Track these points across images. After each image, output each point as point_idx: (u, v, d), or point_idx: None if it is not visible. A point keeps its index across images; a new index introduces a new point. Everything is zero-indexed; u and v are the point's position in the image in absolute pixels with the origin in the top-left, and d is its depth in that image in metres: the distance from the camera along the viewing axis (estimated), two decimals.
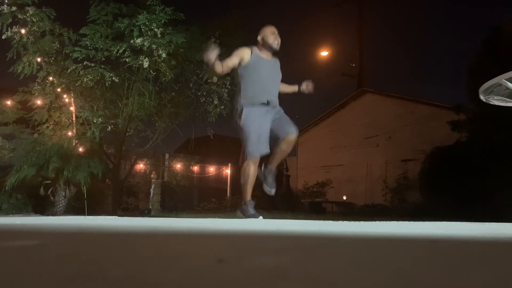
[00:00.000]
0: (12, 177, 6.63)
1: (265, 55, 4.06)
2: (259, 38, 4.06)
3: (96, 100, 7.84)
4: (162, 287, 0.71)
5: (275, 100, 3.99)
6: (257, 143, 3.76)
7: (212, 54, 3.70)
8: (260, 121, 3.82)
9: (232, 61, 3.90)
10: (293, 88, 4.26)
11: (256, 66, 3.96)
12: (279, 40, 4.09)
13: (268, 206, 9.04)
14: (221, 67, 3.79)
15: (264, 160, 3.94)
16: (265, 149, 3.80)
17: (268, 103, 3.87)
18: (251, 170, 3.80)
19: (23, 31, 7.29)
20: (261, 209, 8.51)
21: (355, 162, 12.94)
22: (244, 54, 3.96)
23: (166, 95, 8.36)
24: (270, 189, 4.07)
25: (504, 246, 1.55)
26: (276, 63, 4.17)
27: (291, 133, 3.84)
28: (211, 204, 10.54)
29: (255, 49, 4.05)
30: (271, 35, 4.04)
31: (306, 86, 4.21)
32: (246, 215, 3.81)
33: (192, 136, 9.16)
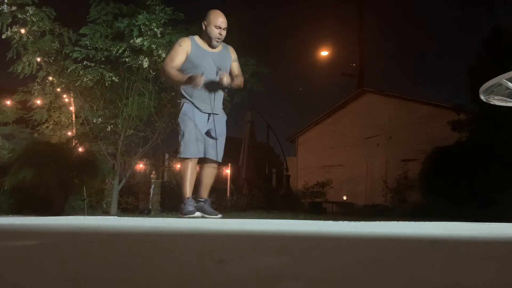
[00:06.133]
0: (11, 177, 6.62)
1: (208, 46, 3.67)
2: (203, 24, 3.62)
3: (96, 100, 7.83)
4: (162, 287, 0.71)
5: (218, 105, 3.73)
6: (189, 144, 3.59)
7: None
8: (197, 121, 3.62)
9: (180, 58, 3.59)
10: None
11: (196, 61, 3.62)
12: (224, 35, 3.64)
13: (268, 206, 9.03)
14: (177, 73, 3.56)
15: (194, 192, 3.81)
16: (198, 153, 3.63)
17: (207, 116, 3.67)
18: (188, 168, 3.64)
19: (23, 31, 7.28)
20: (261, 209, 8.51)
21: (355, 162, 12.94)
22: (186, 47, 3.62)
23: (166, 95, 8.35)
24: (216, 216, 3.94)
25: (504, 246, 1.55)
26: (223, 54, 3.76)
27: (214, 160, 3.77)
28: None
29: (196, 39, 3.69)
30: (215, 29, 3.60)
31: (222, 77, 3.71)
32: (182, 213, 3.64)
33: None
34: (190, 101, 3.65)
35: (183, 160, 3.70)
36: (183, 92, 3.71)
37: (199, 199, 3.85)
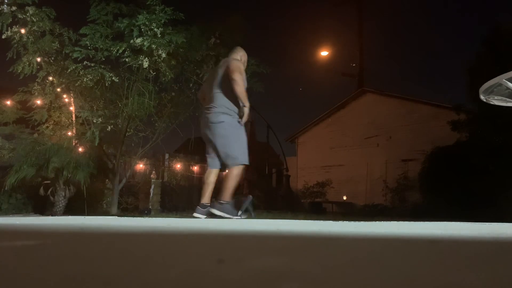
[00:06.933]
0: (12, 177, 6.62)
1: None
2: (243, 59, 4.23)
3: (96, 100, 7.83)
4: (162, 286, 0.71)
5: None
6: (246, 152, 3.97)
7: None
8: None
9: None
10: None
11: None
12: None
13: (268, 206, 9.03)
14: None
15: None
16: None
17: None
18: (241, 175, 3.98)
19: (23, 31, 7.28)
20: (261, 209, 8.52)
21: (355, 162, 12.94)
22: None
23: (166, 95, 8.35)
24: (239, 216, 4.15)
25: (504, 246, 1.55)
26: None
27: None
28: (211, 204, 10.49)
29: None
30: (246, 63, 4.28)
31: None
32: (229, 212, 3.92)
33: (192, 136, 9.15)
34: (238, 115, 4.05)
35: (241, 166, 3.93)
36: (235, 108, 4.04)
37: (223, 201, 4.07)
